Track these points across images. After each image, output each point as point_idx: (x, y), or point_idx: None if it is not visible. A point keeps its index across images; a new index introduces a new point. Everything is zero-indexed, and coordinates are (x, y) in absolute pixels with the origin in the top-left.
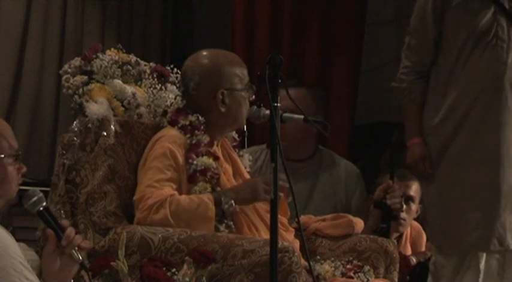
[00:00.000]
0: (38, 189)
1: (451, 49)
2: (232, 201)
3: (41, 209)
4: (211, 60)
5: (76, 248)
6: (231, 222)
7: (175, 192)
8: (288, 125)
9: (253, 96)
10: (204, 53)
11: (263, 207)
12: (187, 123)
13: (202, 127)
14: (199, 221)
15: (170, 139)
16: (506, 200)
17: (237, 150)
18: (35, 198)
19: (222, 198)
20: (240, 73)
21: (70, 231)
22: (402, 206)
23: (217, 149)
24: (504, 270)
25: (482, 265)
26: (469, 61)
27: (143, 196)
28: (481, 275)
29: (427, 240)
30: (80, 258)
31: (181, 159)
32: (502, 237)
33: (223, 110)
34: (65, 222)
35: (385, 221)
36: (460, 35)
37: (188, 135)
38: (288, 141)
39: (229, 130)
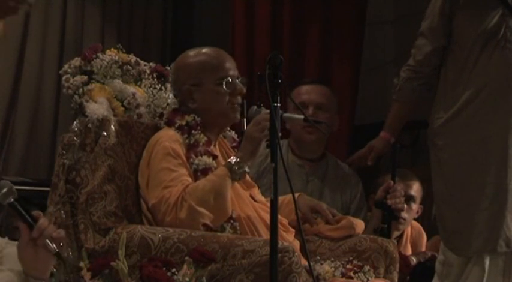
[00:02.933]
0: (8, 180)
1: (459, 51)
2: (245, 166)
3: (12, 200)
4: (183, 57)
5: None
6: (237, 223)
7: (189, 181)
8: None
9: (243, 91)
10: (186, 52)
11: (263, 207)
12: (184, 123)
13: (198, 127)
14: (224, 195)
15: (170, 139)
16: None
17: (236, 150)
18: (4, 190)
19: (232, 161)
20: (216, 67)
21: (42, 222)
22: (404, 206)
23: (214, 149)
24: (510, 270)
25: (487, 266)
26: (477, 63)
27: (162, 198)
28: (485, 276)
29: (428, 240)
30: (55, 248)
31: (184, 157)
32: (508, 238)
33: (193, 106)
34: (37, 213)
35: (386, 221)
36: (469, 37)
37: (186, 136)
38: (317, 135)
39: (220, 126)
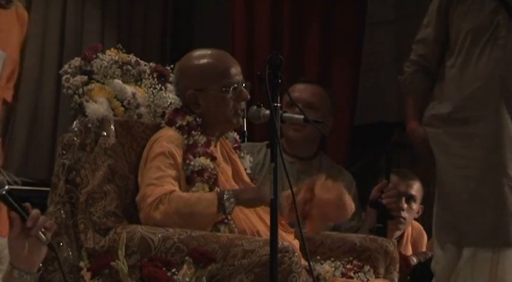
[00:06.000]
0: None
1: (454, 47)
2: (233, 199)
3: (4, 192)
4: (187, 59)
5: (42, 229)
6: (232, 222)
7: (176, 189)
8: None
9: (248, 97)
10: (190, 53)
11: (263, 207)
12: (185, 123)
13: (199, 127)
14: (201, 216)
15: (168, 139)
16: (499, 198)
17: (238, 151)
18: None
19: (225, 195)
20: (221, 73)
21: (35, 212)
22: (402, 205)
23: (214, 150)
24: (497, 268)
25: (472, 264)
26: (469, 60)
27: (144, 195)
28: (473, 272)
29: (428, 239)
30: (48, 239)
31: (179, 159)
32: (487, 234)
33: (197, 111)
34: (27, 204)
35: (381, 221)
36: (461, 33)
37: (185, 136)
38: (304, 133)
39: (222, 130)
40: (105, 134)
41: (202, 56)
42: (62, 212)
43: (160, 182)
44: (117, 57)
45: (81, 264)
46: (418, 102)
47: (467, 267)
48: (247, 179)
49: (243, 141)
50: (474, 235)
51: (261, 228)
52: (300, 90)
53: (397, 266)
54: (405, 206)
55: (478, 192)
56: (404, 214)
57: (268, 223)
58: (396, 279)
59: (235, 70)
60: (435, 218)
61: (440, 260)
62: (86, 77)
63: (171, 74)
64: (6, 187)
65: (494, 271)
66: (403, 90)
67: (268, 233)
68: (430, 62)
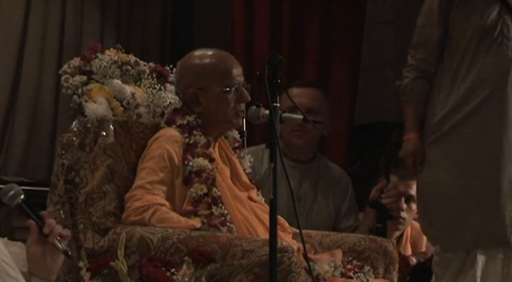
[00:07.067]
0: (7, 180)
1: (456, 48)
2: None
3: (20, 201)
4: (189, 58)
5: (58, 238)
6: (233, 226)
7: (167, 203)
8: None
9: (248, 98)
10: (192, 52)
11: (261, 207)
12: (185, 122)
13: (199, 128)
14: None
15: (168, 139)
16: (506, 197)
17: (238, 151)
18: (12, 192)
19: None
20: (224, 73)
21: (51, 220)
22: (401, 205)
23: (213, 151)
24: (509, 268)
25: (483, 264)
26: (474, 60)
27: (133, 196)
28: (479, 274)
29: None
30: (63, 247)
31: (177, 161)
32: (501, 234)
33: (197, 109)
34: (44, 213)
35: (381, 221)
36: (465, 33)
37: (186, 135)
38: (306, 139)
39: (221, 130)
40: (104, 134)
41: (204, 55)
42: (61, 212)
43: (152, 187)
44: (116, 57)
45: (81, 264)
46: (418, 110)
47: (477, 268)
48: (246, 179)
49: (243, 141)
50: (484, 236)
51: (260, 229)
52: (298, 95)
53: (397, 266)
54: (405, 206)
55: (487, 193)
56: (403, 214)
57: (267, 224)
58: (395, 279)
59: (237, 71)
60: (437, 222)
61: (446, 262)
62: (85, 77)
63: (171, 74)
64: (22, 196)
65: (506, 271)
66: (401, 97)
67: (267, 234)
68: (431, 65)
